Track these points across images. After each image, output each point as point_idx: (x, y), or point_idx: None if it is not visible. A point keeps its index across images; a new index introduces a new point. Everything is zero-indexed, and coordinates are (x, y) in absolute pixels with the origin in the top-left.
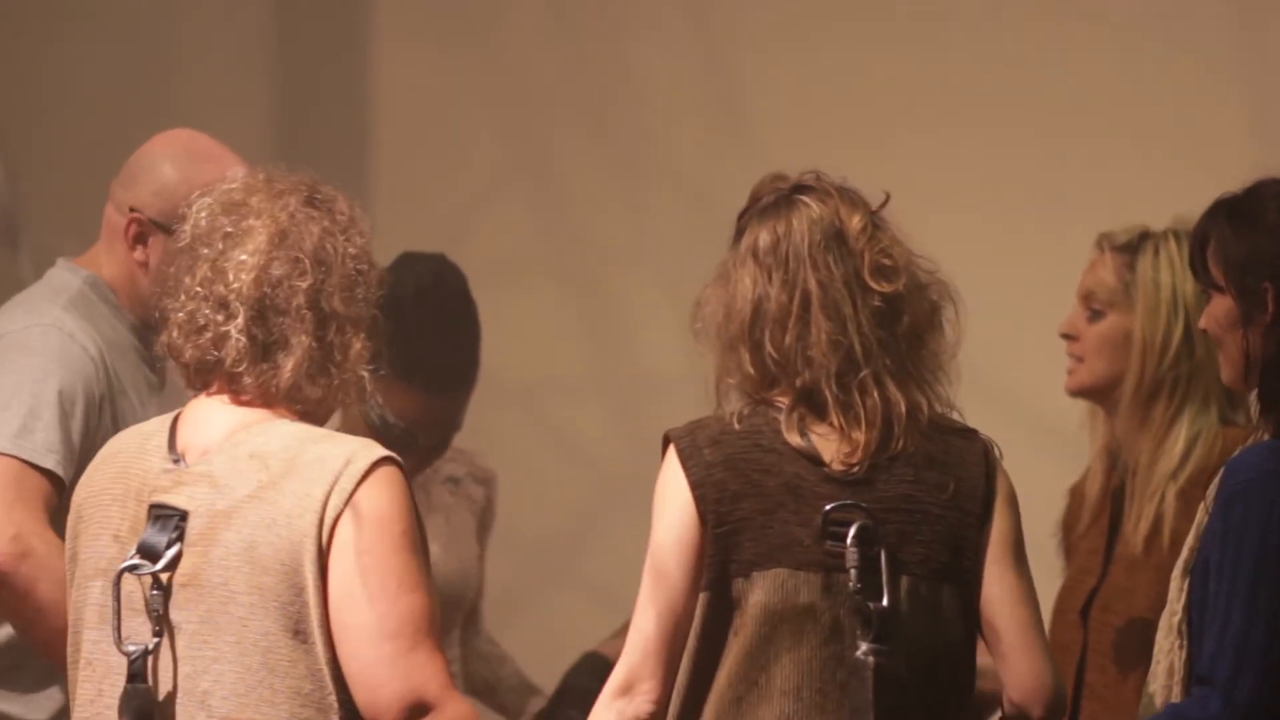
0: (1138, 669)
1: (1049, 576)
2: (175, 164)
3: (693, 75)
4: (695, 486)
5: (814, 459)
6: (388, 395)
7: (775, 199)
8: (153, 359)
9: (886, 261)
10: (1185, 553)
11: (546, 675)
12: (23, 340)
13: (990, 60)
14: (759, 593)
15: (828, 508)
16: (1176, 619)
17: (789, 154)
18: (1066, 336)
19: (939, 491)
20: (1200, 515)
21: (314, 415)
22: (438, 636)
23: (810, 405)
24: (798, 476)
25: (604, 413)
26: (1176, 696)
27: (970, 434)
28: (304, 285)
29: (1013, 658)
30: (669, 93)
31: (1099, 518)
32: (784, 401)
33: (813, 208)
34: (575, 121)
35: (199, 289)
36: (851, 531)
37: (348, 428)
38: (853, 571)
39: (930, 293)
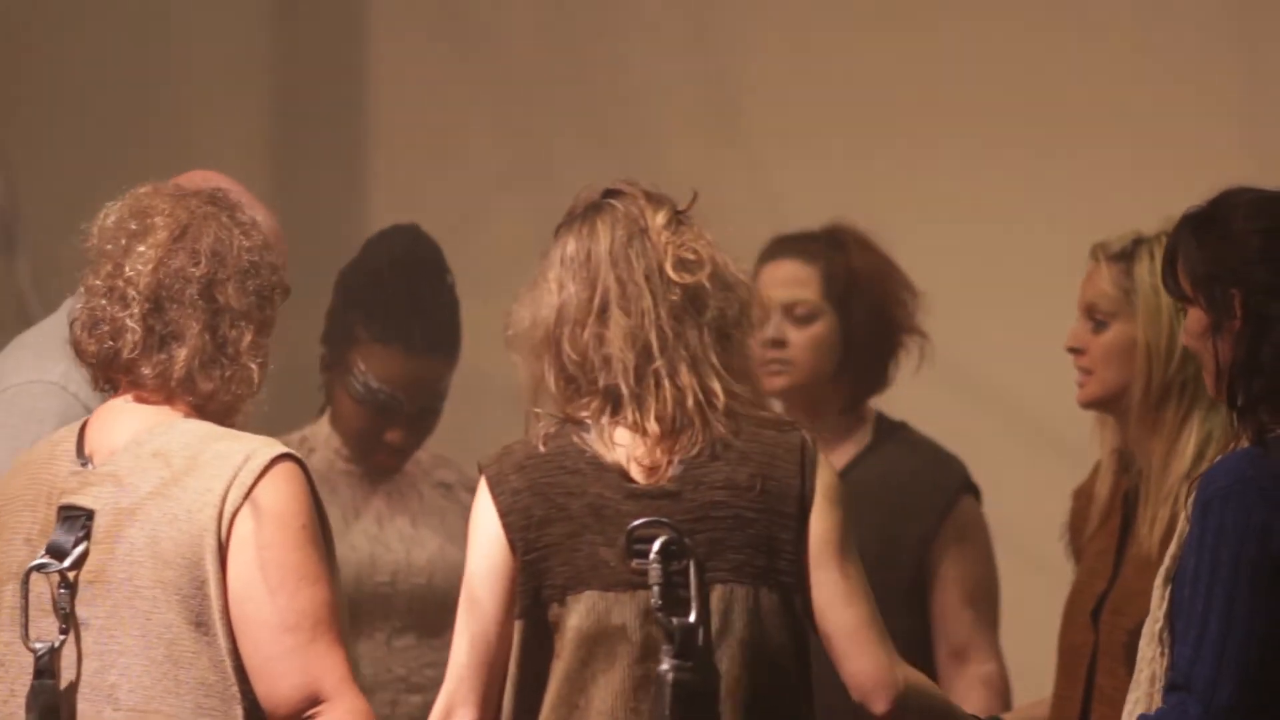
0: None
1: (1057, 580)
2: None
3: (691, 80)
4: (503, 515)
5: (621, 473)
6: (369, 361)
7: (585, 207)
8: None
9: (689, 255)
10: (1167, 561)
11: None
12: (25, 402)
13: (986, 64)
14: (573, 616)
15: (631, 526)
16: (1158, 627)
17: (786, 157)
18: (1073, 350)
19: (750, 493)
20: (1182, 524)
21: (209, 410)
22: (338, 630)
23: (612, 409)
24: (600, 496)
25: None
26: (1158, 704)
27: (785, 426)
28: (197, 274)
29: (845, 660)
30: (669, 97)
31: (1109, 519)
32: (588, 415)
33: (617, 209)
34: (574, 126)
35: (99, 283)
36: (655, 547)
37: (336, 402)
38: (655, 588)
39: (740, 292)
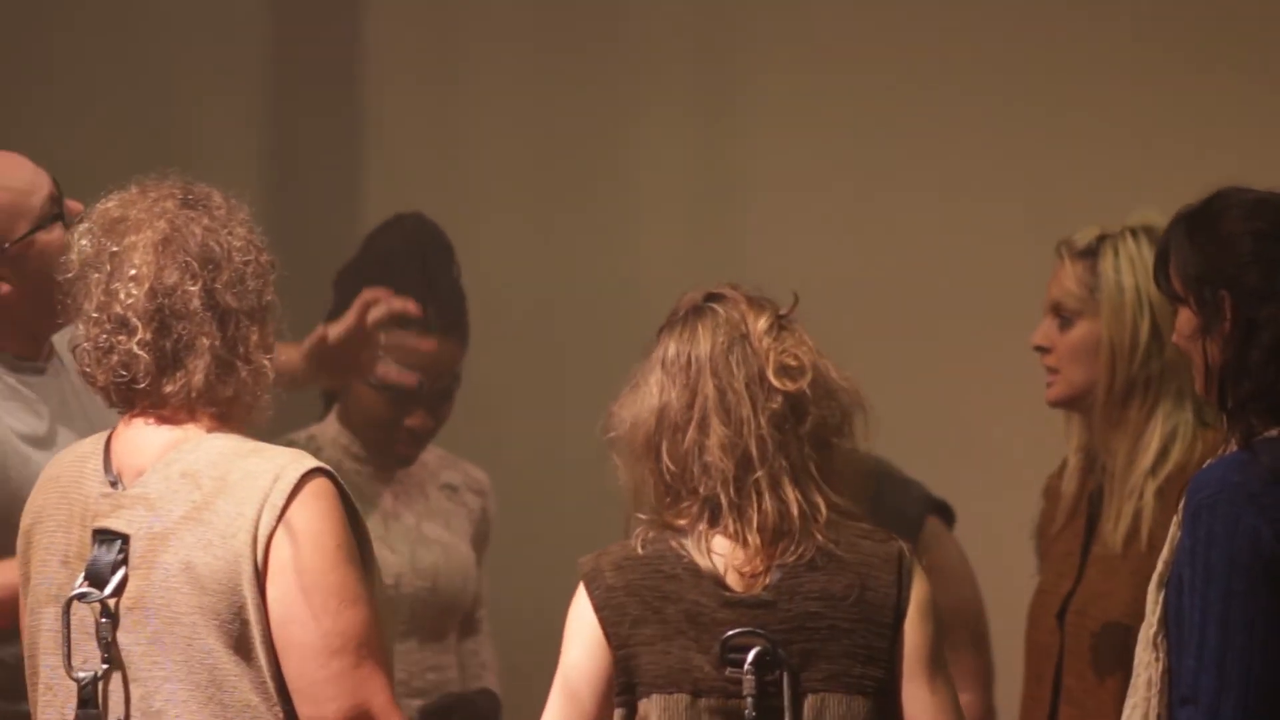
0: (1115, 673)
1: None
2: None
3: (692, 76)
4: (598, 609)
5: (717, 581)
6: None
7: (687, 310)
8: (28, 377)
9: (791, 361)
10: (1160, 565)
11: None
12: None
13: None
14: (656, 715)
15: (726, 635)
16: (1153, 632)
17: (787, 166)
18: (1040, 349)
19: (845, 603)
20: (1173, 528)
21: (232, 417)
22: (381, 649)
23: (711, 518)
24: (697, 604)
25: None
26: (1155, 709)
27: (882, 537)
28: (196, 288)
29: None
30: (668, 98)
31: (1074, 519)
32: (686, 522)
33: (719, 313)
34: (572, 126)
35: (95, 314)
36: (749, 658)
37: (350, 396)
38: (749, 699)
39: (841, 398)
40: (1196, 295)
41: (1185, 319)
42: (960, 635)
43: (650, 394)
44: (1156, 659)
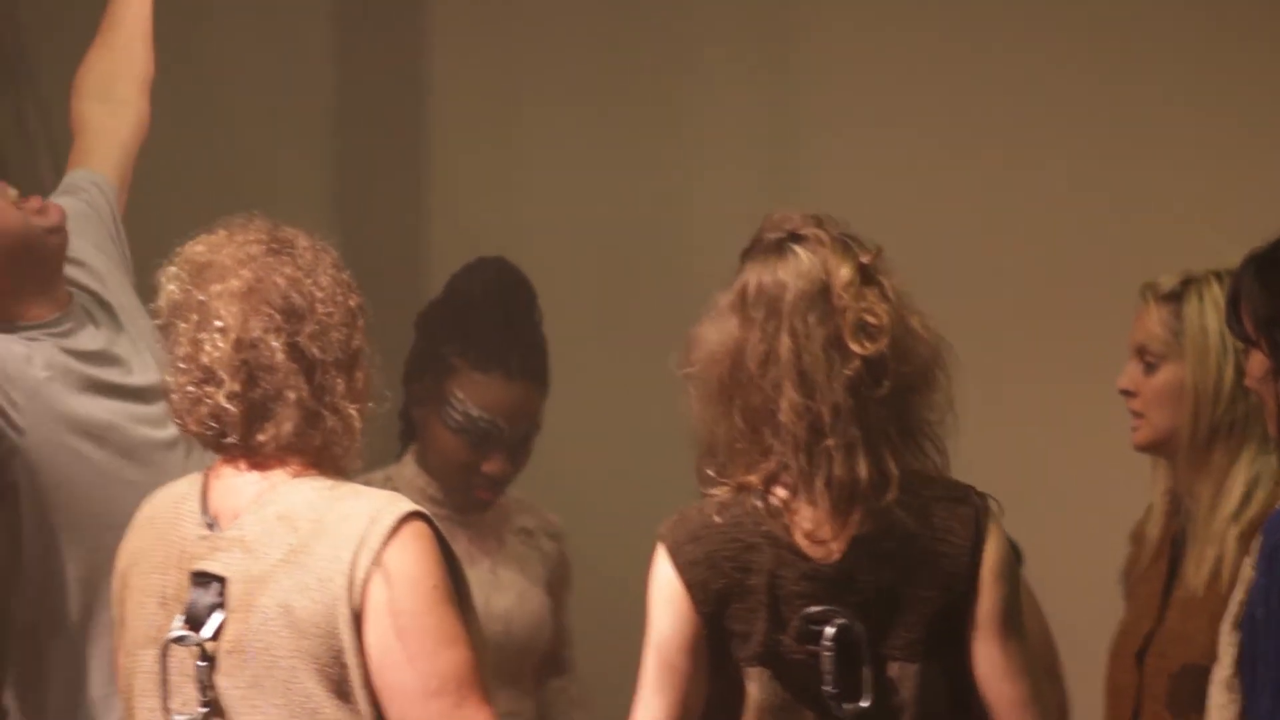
0: (1190, 715)
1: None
2: None
3: (753, 76)
4: (687, 586)
5: (794, 550)
6: (468, 389)
7: (771, 243)
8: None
9: (870, 319)
10: (1234, 607)
11: None
12: None
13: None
14: (753, 688)
15: (805, 611)
16: (1227, 674)
17: (844, 160)
18: (1125, 393)
19: (921, 570)
20: (1246, 570)
21: (323, 464)
22: (482, 688)
23: (783, 480)
24: (775, 576)
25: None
26: None
27: (961, 497)
28: (279, 343)
29: None
30: (733, 121)
31: (1158, 560)
32: (758, 480)
33: (802, 259)
34: (640, 161)
35: (182, 365)
36: (828, 633)
37: (429, 439)
38: (828, 676)
39: (922, 349)
40: (1268, 337)
41: (1257, 361)
42: None
43: (729, 332)
44: (1233, 700)
